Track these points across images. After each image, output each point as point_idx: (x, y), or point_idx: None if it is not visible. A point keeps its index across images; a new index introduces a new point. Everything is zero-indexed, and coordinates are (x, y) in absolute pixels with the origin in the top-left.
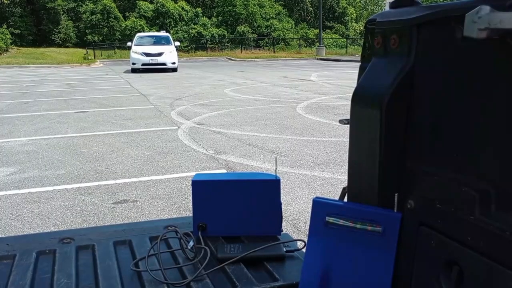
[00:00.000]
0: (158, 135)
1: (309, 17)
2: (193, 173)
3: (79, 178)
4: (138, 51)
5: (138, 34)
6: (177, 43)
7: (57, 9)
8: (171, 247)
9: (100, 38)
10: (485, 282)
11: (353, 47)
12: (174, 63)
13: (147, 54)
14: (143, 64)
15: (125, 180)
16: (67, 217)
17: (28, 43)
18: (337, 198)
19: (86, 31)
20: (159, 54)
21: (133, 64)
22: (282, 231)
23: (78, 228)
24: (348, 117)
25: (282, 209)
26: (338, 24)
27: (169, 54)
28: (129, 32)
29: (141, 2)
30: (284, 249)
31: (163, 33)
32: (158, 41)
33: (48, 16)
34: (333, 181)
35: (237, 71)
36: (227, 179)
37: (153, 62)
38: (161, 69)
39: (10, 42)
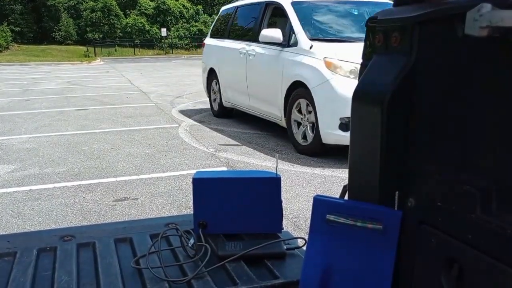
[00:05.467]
0: (158, 132)
1: None
2: (194, 171)
3: (79, 175)
4: None
5: None
6: None
7: (58, 6)
8: (172, 244)
9: (101, 36)
10: (486, 280)
11: None
12: None
13: None
14: None
15: (126, 178)
16: (68, 214)
17: (29, 41)
18: (338, 196)
19: (87, 28)
20: None
21: None
22: (282, 228)
23: (78, 226)
24: (349, 115)
25: (283, 207)
26: None
27: None
28: (129, 29)
29: None
30: (285, 247)
31: None
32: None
33: (49, 14)
34: (334, 179)
35: None
36: (228, 177)
37: None
38: None
39: (11, 40)
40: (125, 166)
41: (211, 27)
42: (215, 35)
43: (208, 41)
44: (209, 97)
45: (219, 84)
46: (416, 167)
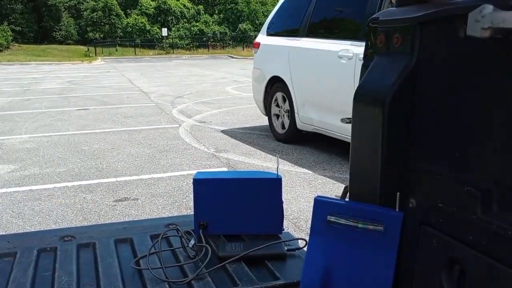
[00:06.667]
0: (159, 133)
1: None
2: (194, 171)
3: (80, 175)
4: None
5: None
6: None
7: (58, 6)
8: (172, 245)
9: (101, 36)
10: (487, 281)
11: None
12: None
13: None
14: None
15: (126, 178)
16: (68, 214)
17: (29, 40)
18: (339, 197)
19: (87, 28)
20: None
21: None
22: (283, 229)
23: (79, 226)
24: (350, 116)
25: (284, 208)
26: None
27: None
28: (130, 29)
29: None
30: (285, 248)
31: None
32: None
33: (49, 13)
34: (335, 179)
35: (238, 68)
36: (229, 177)
37: None
38: None
39: (11, 39)
40: (125, 166)
41: (268, 21)
42: (278, 31)
43: (266, 40)
44: (268, 114)
45: (291, 99)
46: (417, 168)
